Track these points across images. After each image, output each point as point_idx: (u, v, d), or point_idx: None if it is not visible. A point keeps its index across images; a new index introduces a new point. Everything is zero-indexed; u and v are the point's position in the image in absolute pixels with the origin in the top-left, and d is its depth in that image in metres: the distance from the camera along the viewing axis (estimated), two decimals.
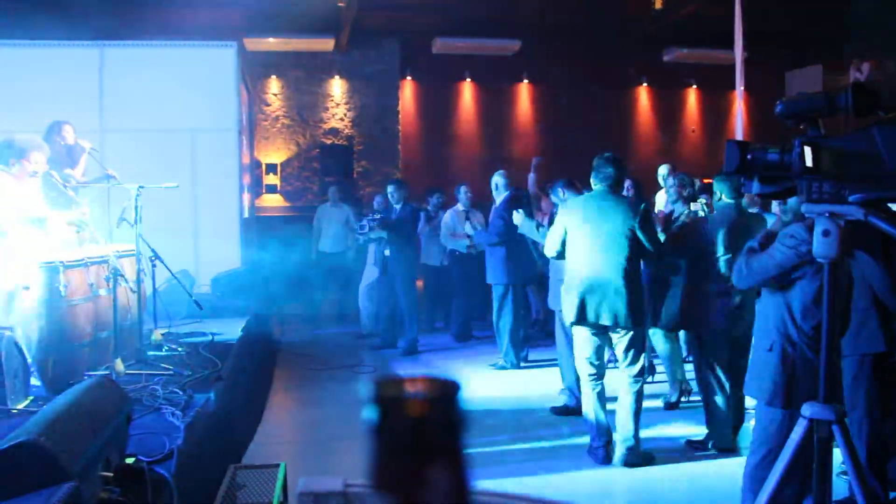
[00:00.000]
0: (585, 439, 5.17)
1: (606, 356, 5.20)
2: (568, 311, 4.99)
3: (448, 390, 0.61)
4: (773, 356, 3.44)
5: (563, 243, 5.05)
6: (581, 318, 4.89)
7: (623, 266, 4.86)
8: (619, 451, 4.94)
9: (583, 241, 4.94)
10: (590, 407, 5.03)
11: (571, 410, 6.05)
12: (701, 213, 5.81)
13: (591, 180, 5.14)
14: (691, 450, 5.23)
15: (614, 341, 5.03)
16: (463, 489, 0.61)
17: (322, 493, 1.36)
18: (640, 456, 4.95)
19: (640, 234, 4.90)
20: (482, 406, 6.26)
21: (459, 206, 9.08)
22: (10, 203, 4.68)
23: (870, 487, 3.44)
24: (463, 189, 9.11)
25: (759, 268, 3.48)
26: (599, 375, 5.03)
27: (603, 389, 5.04)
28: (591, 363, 5.00)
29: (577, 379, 5.89)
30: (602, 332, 4.98)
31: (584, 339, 5.03)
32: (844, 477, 3.01)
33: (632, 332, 4.95)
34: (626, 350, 4.98)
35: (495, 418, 5.98)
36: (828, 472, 2.61)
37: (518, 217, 6.33)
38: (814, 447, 2.59)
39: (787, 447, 2.69)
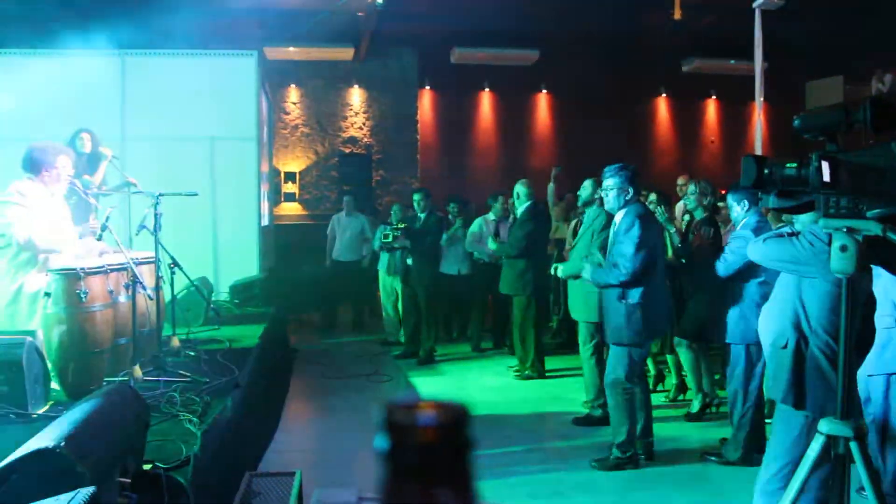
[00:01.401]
0: (601, 449, 5.16)
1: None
2: (649, 329, 5.03)
3: (456, 415, 0.62)
4: (787, 354, 3.41)
5: None
6: (660, 332, 5.20)
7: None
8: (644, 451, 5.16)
9: (657, 259, 5.03)
10: (631, 417, 5.08)
11: (594, 420, 6.04)
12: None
13: (627, 191, 5.01)
14: (708, 460, 5.21)
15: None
16: None
17: None
18: None
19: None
20: (499, 415, 6.26)
21: (490, 216, 8.90)
22: (42, 211, 4.78)
23: None
24: (501, 199, 8.93)
25: (774, 249, 3.46)
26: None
27: None
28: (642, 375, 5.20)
29: (602, 389, 5.88)
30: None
31: (642, 355, 5.16)
32: (863, 493, 2.99)
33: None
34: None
35: (512, 428, 5.97)
36: (846, 489, 2.60)
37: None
38: (831, 463, 2.57)
39: (803, 463, 2.68)
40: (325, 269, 10.60)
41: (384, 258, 9.22)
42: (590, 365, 6.21)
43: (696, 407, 6.16)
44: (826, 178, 2.34)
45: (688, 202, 6.14)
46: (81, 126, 6.59)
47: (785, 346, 3.43)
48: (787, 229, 3.57)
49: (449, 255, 9.09)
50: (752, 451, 5.03)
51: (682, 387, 6.67)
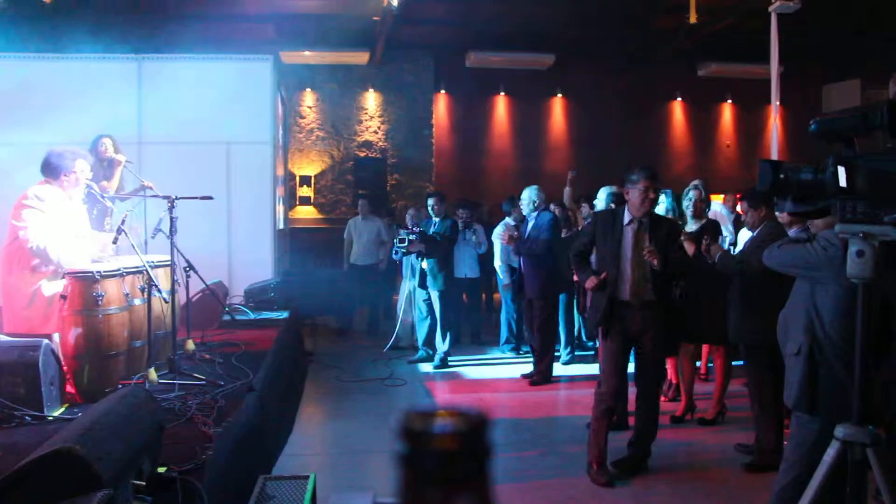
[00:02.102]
0: (614, 453, 5.13)
1: None
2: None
3: (476, 422, 0.62)
4: (800, 360, 3.38)
5: None
6: None
7: None
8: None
9: None
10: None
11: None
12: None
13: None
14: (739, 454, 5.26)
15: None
16: None
17: None
18: None
19: None
20: (513, 419, 6.25)
21: (510, 220, 8.81)
22: (59, 215, 4.82)
23: None
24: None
25: (788, 254, 3.43)
26: None
27: None
28: None
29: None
30: None
31: None
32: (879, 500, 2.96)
33: None
34: None
35: (526, 432, 5.96)
36: (863, 496, 2.57)
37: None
38: (847, 470, 2.55)
39: (819, 469, 2.66)
40: (340, 272, 10.62)
41: (405, 262, 9.23)
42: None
43: (712, 413, 6.12)
44: (842, 182, 2.32)
45: (685, 208, 6.14)
46: (102, 131, 6.64)
47: (798, 353, 3.40)
48: (803, 235, 3.54)
49: (458, 259, 9.14)
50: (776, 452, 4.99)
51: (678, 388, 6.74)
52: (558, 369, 7.95)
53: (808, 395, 3.32)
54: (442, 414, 0.62)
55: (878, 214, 2.33)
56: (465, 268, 9.35)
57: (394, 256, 9.26)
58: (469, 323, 10.03)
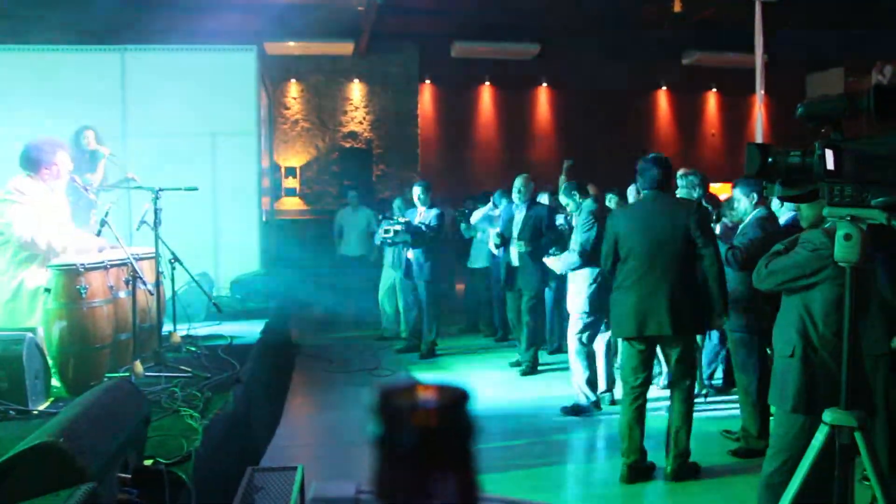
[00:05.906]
0: (601, 445, 5.14)
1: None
2: (617, 324, 4.75)
3: (457, 398, 0.59)
4: (795, 362, 3.38)
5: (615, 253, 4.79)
6: (630, 330, 4.63)
7: (674, 271, 4.64)
8: (671, 465, 4.74)
9: (634, 249, 4.70)
10: (625, 423, 4.72)
11: (581, 409, 6.06)
12: None
13: (638, 185, 5.09)
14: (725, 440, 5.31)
15: (663, 353, 4.89)
16: (471, 499, 0.59)
17: (334, 499, 1.34)
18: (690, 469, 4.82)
19: (694, 235, 4.61)
20: (501, 409, 6.25)
21: (496, 212, 8.87)
22: (42, 208, 4.76)
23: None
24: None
25: (778, 269, 3.43)
26: (642, 390, 4.75)
27: (644, 405, 4.75)
28: (635, 376, 4.73)
29: (588, 380, 5.96)
30: (649, 343, 4.72)
31: (628, 352, 4.77)
32: (866, 483, 2.97)
33: (682, 342, 4.69)
34: (677, 361, 4.71)
35: (512, 422, 5.96)
36: (849, 479, 2.58)
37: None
38: (835, 454, 2.56)
39: (807, 454, 2.67)
40: (327, 263, 10.59)
41: (388, 253, 9.23)
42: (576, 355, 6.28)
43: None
44: (830, 166, 2.32)
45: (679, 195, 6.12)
46: (84, 123, 6.57)
47: (791, 355, 3.40)
48: (779, 246, 3.53)
49: (479, 249, 9.25)
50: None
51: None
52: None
53: (806, 396, 3.32)
54: (420, 389, 0.59)
55: (866, 197, 2.33)
56: (476, 258, 9.48)
57: (376, 241, 9.26)
58: (473, 313, 10.09)
